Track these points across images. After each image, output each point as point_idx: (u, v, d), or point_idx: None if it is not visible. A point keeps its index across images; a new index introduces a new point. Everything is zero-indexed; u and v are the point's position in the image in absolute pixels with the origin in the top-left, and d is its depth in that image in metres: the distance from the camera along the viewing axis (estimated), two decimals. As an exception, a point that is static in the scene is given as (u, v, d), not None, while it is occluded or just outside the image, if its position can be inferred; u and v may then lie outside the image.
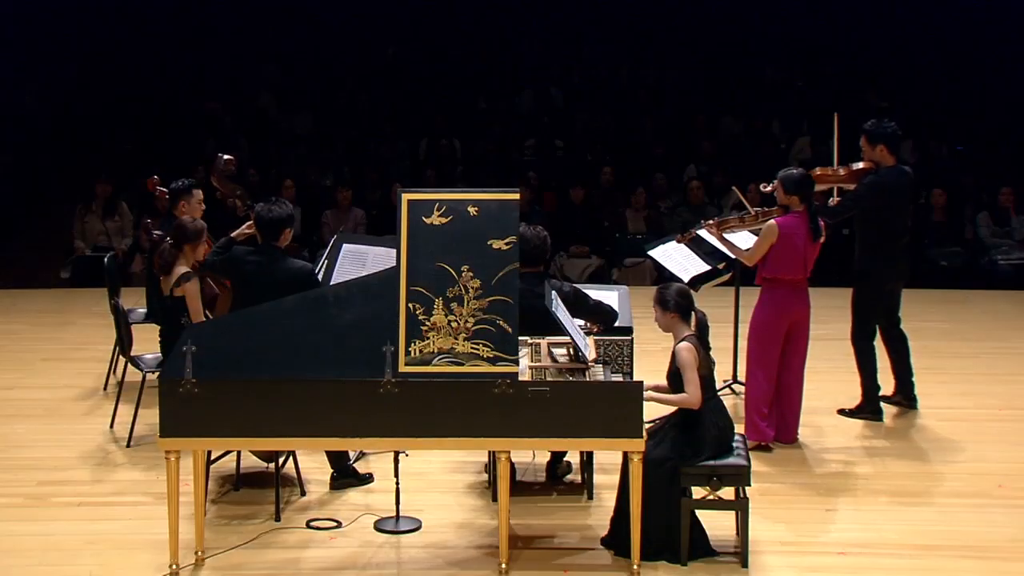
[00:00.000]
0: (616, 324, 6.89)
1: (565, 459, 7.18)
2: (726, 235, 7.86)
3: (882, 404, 8.18)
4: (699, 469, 6.02)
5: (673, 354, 6.14)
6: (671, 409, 6.25)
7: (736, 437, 6.25)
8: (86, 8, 17.06)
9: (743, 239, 7.96)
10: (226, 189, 7.91)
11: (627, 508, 5.87)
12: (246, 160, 14.70)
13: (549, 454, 7.16)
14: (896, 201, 7.88)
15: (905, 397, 8.29)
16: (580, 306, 6.67)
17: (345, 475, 7.00)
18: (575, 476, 7.15)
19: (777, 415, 7.63)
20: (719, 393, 6.40)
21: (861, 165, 7.99)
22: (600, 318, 6.76)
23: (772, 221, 7.48)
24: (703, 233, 8.25)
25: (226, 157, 7.83)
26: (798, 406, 7.72)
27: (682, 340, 6.12)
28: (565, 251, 13.15)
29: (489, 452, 6.87)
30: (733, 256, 7.95)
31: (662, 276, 11.63)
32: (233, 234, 7.41)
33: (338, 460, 6.99)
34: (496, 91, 16.51)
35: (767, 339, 7.50)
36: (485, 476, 7.15)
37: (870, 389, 8.13)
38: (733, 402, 8.28)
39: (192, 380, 5.66)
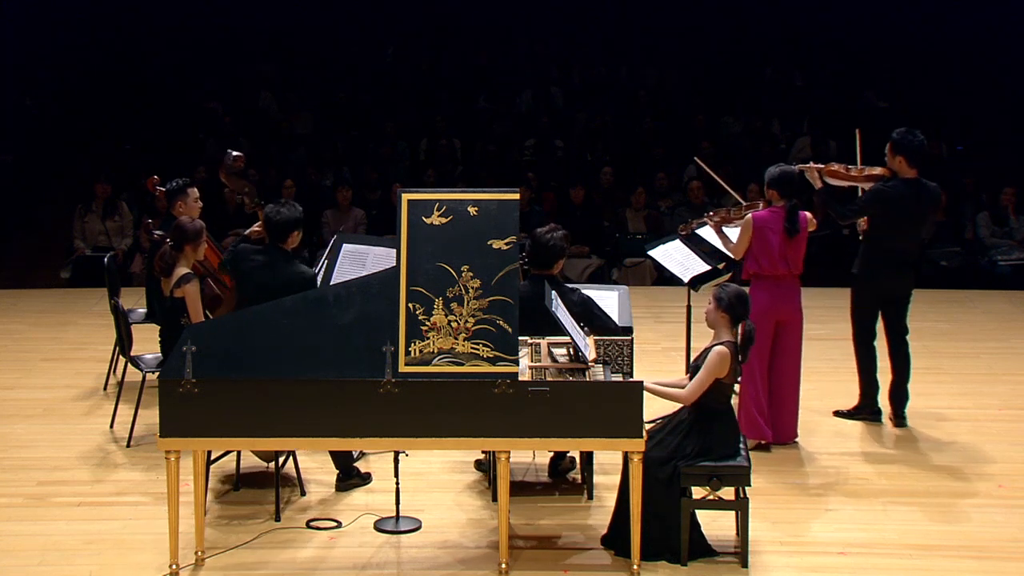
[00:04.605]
0: (617, 324, 6.88)
1: (568, 455, 7.18)
2: (725, 229, 7.90)
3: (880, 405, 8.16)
4: (699, 469, 6.02)
5: (708, 350, 6.13)
6: (672, 408, 6.26)
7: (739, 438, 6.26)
8: (86, 8, 17.06)
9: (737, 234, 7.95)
10: (234, 186, 7.93)
11: (627, 508, 5.87)
12: (246, 160, 14.71)
13: (550, 453, 7.16)
14: (898, 215, 7.75)
15: (895, 412, 8.13)
16: (582, 312, 6.66)
17: (350, 476, 7.00)
18: (576, 474, 7.15)
19: (774, 416, 7.63)
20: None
21: (877, 171, 7.91)
22: (598, 328, 6.69)
23: (749, 215, 7.55)
24: (703, 232, 8.27)
25: (235, 154, 7.85)
26: (794, 406, 7.70)
27: (722, 343, 6.10)
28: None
29: (491, 453, 6.86)
30: (727, 251, 7.97)
31: (662, 276, 11.66)
32: (246, 232, 7.44)
33: (343, 461, 6.99)
34: (496, 91, 16.51)
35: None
36: (479, 474, 7.16)
37: (868, 389, 8.12)
38: (733, 402, 8.27)
39: (192, 380, 5.67)
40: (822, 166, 7.99)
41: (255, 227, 7.54)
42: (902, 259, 7.87)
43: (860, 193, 8.08)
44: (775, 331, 7.55)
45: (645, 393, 5.81)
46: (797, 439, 7.73)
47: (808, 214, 7.65)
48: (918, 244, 8.00)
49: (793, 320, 7.60)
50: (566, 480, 7.12)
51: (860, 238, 8.07)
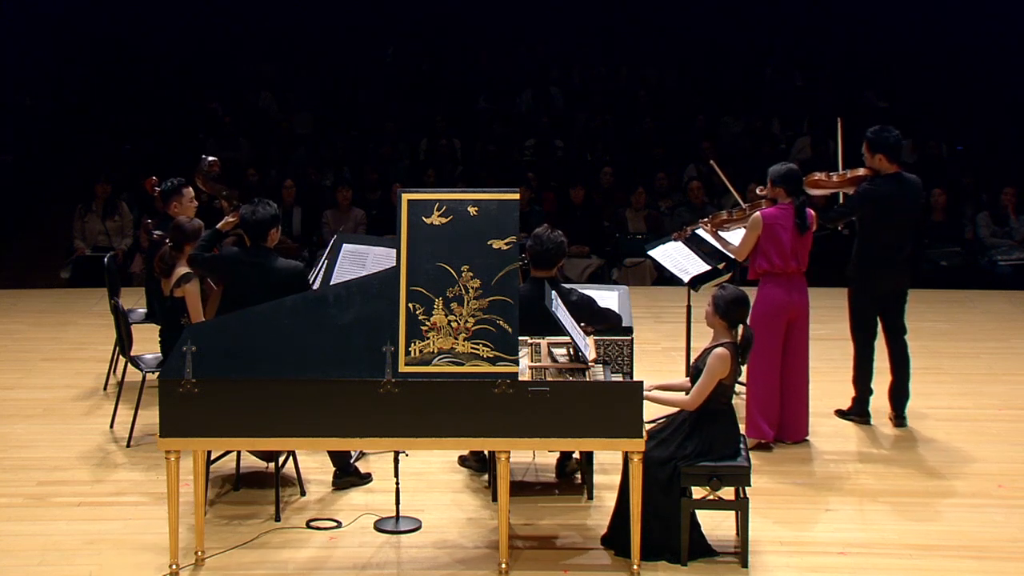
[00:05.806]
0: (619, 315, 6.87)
1: (574, 457, 7.18)
2: (721, 232, 7.91)
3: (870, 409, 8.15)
4: (699, 469, 6.02)
5: (707, 351, 6.13)
6: (673, 409, 6.26)
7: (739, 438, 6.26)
8: (86, 8, 17.07)
9: (737, 236, 7.96)
10: (212, 190, 7.90)
11: (627, 508, 5.86)
12: (246, 160, 14.72)
13: (554, 453, 7.16)
14: (888, 211, 7.74)
15: (895, 412, 8.18)
16: (584, 311, 6.65)
17: (347, 473, 7.00)
18: (578, 475, 7.14)
19: (785, 414, 7.62)
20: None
21: (860, 172, 7.90)
22: (604, 323, 6.70)
23: (757, 213, 7.56)
24: (701, 232, 8.28)
25: (210, 159, 7.82)
26: (806, 403, 7.70)
27: (721, 345, 6.10)
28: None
29: (489, 452, 6.86)
30: (728, 253, 7.97)
31: (662, 276, 11.66)
32: (218, 226, 7.31)
33: (341, 458, 7.00)
34: (496, 91, 16.51)
35: (766, 334, 7.48)
36: (475, 473, 7.17)
37: (862, 395, 8.10)
38: (735, 402, 8.26)
39: (192, 380, 5.67)
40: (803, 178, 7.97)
41: (228, 218, 7.37)
42: (895, 256, 7.87)
43: (841, 199, 8.09)
44: (786, 329, 7.56)
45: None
46: (808, 437, 7.72)
47: (812, 211, 7.66)
48: (910, 240, 7.99)
49: (802, 317, 7.62)
50: (574, 479, 7.12)
51: None
